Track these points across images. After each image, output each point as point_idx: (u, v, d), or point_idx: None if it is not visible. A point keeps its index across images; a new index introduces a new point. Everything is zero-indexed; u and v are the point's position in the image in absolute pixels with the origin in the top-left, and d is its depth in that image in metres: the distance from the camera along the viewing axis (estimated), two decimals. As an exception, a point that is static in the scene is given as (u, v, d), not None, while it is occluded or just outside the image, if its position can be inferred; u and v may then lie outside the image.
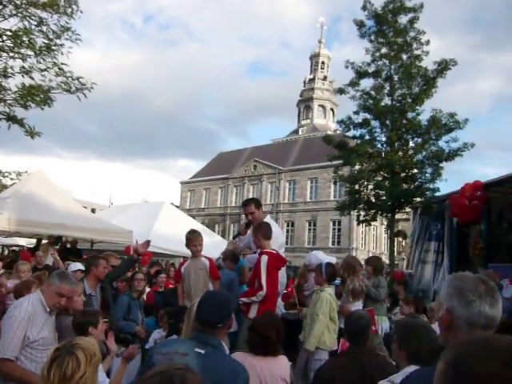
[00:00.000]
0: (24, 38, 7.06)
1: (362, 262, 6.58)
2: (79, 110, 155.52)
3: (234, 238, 6.30)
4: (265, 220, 5.23)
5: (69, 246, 11.21)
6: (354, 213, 15.38)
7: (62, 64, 7.62)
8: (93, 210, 35.79)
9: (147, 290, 7.18)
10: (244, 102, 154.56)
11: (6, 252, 16.79)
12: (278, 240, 5.08)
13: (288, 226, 46.01)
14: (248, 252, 5.65)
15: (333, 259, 6.39)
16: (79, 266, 5.48)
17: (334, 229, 42.60)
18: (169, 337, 4.89)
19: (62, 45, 7.72)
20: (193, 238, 5.13)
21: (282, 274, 5.08)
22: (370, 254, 41.98)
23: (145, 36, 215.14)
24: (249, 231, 5.59)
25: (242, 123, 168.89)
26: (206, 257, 5.43)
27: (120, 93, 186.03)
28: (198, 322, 2.47)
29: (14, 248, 16.40)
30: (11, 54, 7.31)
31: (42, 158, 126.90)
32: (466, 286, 1.49)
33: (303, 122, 69.02)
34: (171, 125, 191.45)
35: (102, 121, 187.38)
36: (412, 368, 1.41)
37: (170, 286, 7.51)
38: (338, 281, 6.00)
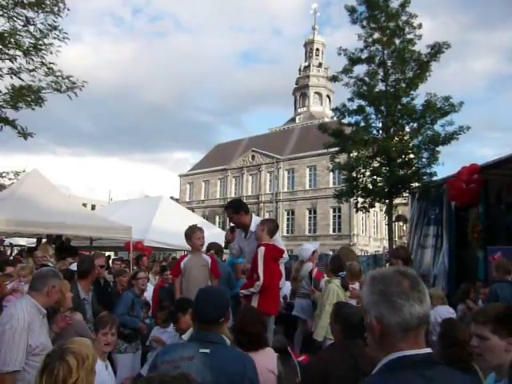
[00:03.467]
0: (11, 39, 7.00)
1: (364, 248, 6.82)
2: (72, 106, 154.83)
3: (225, 248, 6.29)
4: (253, 221, 5.08)
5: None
6: (353, 200, 15.39)
7: (51, 63, 7.56)
8: (93, 207, 35.94)
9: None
10: (238, 92, 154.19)
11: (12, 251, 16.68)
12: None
13: (288, 214, 46.11)
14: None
15: (316, 244, 7.06)
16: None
17: (334, 216, 42.63)
18: (167, 324, 4.90)
19: (50, 44, 7.65)
20: (192, 234, 5.07)
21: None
22: (371, 240, 42.12)
23: (135, 29, 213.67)
24: (236, 235, 5.48)
25: (238, 114, 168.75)
26: (207, 253, 5.45)
27: (113, 87, 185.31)
28: (200, 321, 2.46)
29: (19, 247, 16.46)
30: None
31: (39, 156, 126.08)
32: (390, 290, 1.38)
33: (300, 110, 68.77)
34: (166, 118, 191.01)
35: (97, 116, 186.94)
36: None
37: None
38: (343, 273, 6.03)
